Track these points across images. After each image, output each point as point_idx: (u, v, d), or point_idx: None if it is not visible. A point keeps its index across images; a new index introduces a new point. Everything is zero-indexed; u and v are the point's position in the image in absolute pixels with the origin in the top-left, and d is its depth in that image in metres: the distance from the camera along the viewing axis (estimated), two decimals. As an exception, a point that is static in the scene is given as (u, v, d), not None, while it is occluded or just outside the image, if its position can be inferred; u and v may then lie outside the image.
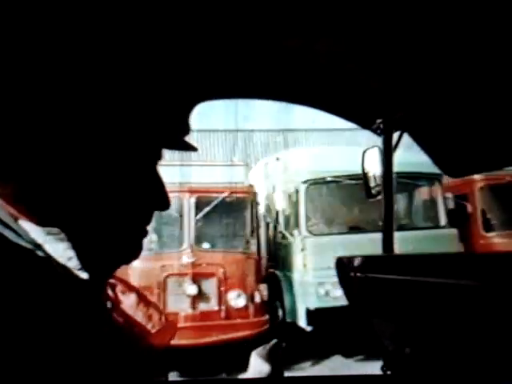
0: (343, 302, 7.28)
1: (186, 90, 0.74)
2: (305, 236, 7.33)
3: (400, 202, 7.91)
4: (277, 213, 8.12)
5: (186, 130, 0.74)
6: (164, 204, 0.74)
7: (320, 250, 7.06)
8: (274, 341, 1.34)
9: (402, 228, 7.47)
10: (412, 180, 7.71)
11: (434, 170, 8.17)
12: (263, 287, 7.34)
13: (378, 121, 2.12)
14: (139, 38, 0.68)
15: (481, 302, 1.42)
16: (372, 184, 2.24)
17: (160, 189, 0.74)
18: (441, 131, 2.04)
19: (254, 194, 7.91)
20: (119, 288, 1.02)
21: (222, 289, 6.88)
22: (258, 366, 1.27)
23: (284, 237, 7.89)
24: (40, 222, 0.65)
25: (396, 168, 7.42)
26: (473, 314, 1.46)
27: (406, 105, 1.99)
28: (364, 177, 2.28)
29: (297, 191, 7.51)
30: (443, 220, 7.86)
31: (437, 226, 7.88)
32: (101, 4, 0.65)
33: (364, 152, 2.25)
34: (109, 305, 0.78)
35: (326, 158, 7.97)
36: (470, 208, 8.60)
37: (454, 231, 7.54)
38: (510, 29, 1.27)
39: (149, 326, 1.08)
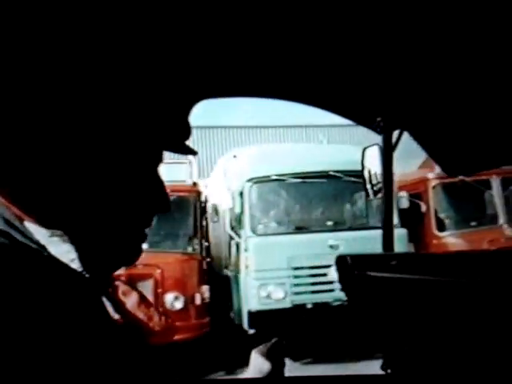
0: (287, 304, 6.93)
1: (185, 90, 0.74)
2: (248, 236, 7.20)
3: (349, 202, 7.83)
4: (227, 212, 7.96)
5: (187, 132, 0.74)
6: (164, 206, 0.74)
7: (264, 250, 7.04)
8: (275, 339, 1.34)
9: (349, 228, 7.50)
10: (360, 178, 7.53)
11: None
12: (205, 289, 7.23)
13: (378, 119, 2.12)
14: (140, 40, 0.68)
15: (482, 301, 1.42)
16: (372, 182, 2.23)
17: (160, 191, 0.74)
18: (441, 129, 2.04)
19: (198, 193, 7.81)
20: (121, 289, 1.02)
21: (159, 291, 6.67)
22: (258, 364, 1.25)
23: (232, 237, 7.74)
24: (43, 223, 0.66)
25: (346, 166, 7.30)
26: (474, 313, 1.46)
27: (405, 103, 1.99)
28: (363, 175, 2.28)
29: (242, 190, 7.41)
30: (395, 219, 7.48)
31: None
32: (101, 4, 0.65)
33: (364, 150, 2.25)
34: (110, 305, 0.77)
35: (273, 155, 7.88)
36: (423, 207, 8.47)
37: (402, 231, 7.36)
38: (509, 28, 1.27)
39: (150, 326, 1.07)
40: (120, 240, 0.71)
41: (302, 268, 7.09)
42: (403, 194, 8.26)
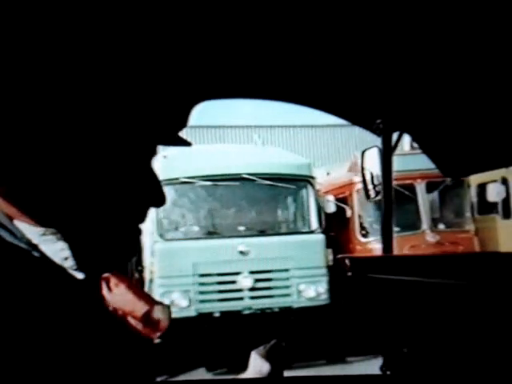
0: (191, 312, 6.70)
1: (184, 89, 0.74)
2: (155, 241, 6.92)
3: (262, 206, 7.53)
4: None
5: (181, 124, 0.73)
6: (159, 200, 0.73)
7: (169, 256, 6.80)
8: (274, 340, 1.35)
9: (261, 233, 7.24)
10: (280, 182, 7.28)
11: (305, 171, 7.79)
12: None
13: (378, 121, 2.12)
14: (136, 36, 0.68)
15: (480, 302, 1.42)
16: (371, 185, 2.23)
17: (155, 185, 0.72)
18: (440, 131, 2.03)
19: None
20: (113, 281, 1.02)
21: None
22: (257, 365, 1.24)
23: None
24: (35, 221, 0.65)
25: (262, 169, 6.65)
26: (472, 314, 1.46)
27: (404, 105, 1.99)
28: (363, 177, 2.28)
29: None
30: (314, 225, 7.41)
31: (302, 232, 7.43)
32: (101, 3, 0.65)
33: (363, 152, 2.24)
34: (103, 302, 0.77)
35: (189, 157, 7.36)
36: (349, 212, 8.25)
37: (319, 237, 7.20)
38: (509, 28, 1.27)
39: (138, 308, 1.07)
40: (115, 235, 0.70)
41: (208, 275, 6.84)
42: (330, 197, 8.09)
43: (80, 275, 0.68)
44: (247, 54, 1.60)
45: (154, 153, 0.73)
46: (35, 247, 0.64)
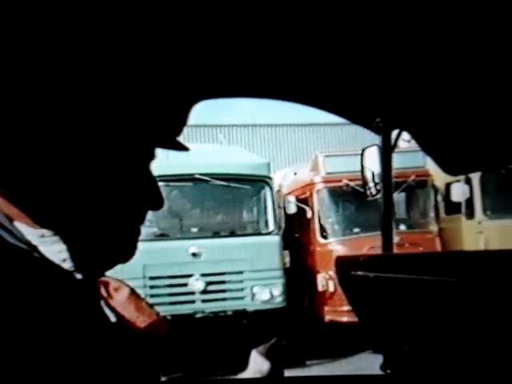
0: None
1: (182, 89, 0.74)
2: None
3: (216, 207, 7.60)
4: None
5: (179, 129, 0.74)
6: (157, 203, 0.74)
7: None
8: (274, 339, 1.33)
9: (214, 235, 7.27)
10: (235, 182, 7.27)
11: (262, 171, 7.96)
12: None
13: (377, 119, 2.12)
14: (136, 37, 0.68)
15: (481, 301, 1.43)
16: (371, 183, 2.23)
17: (153, 188, 0.74)
18: (440, 129, 2.06)
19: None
20: (112, 285, 1.02)
21: None
22: (257, 364, 1.25)
23: None
24: (35, 223, 0.65)
25: (217, 169, 6.99)
26: (473, 313, 1.47)
27: (404, 103, 2.00)
28: (362, 175, 2.28)
29: None
30: (271, 226, 7.42)
31: (258, 233, 7.40)
32: (102, 4, 0.65)
33: (363, 150, 2.25)
34: (102, 302, 0.77)
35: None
36: (309, 213, 8.24)
37: (275, 239, 7.28)
38: (509, 28, 1.28)
39: (139, 321, 1.06)
40: (114, 237, 0.71)
41: (159, 278, 6.83)
42: (291, 198, 8.10)
43: (78, 276, 0.68)
44: (246, 52, 1.58)
45: (152, 156, 0.74)
46: (35, 248, 0.64)
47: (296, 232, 8.59)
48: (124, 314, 0.92)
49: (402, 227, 7.88)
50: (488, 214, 7.82)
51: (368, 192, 2.27)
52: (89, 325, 0.63)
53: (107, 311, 0.77)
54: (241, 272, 7.01)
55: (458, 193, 7.77)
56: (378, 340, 2.09)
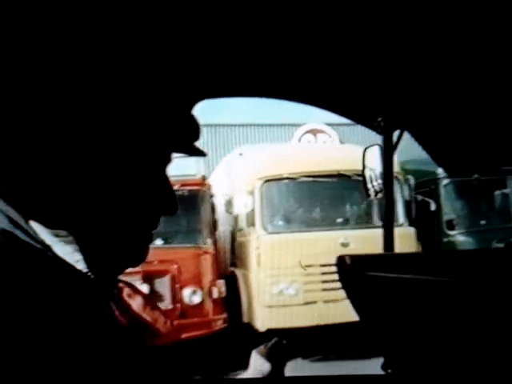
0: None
1: (188, 90, 0.74)
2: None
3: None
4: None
5: (196, 134, 0.74)
6: (172, 208, 0.74)
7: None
8: (275, 339, 1.33)
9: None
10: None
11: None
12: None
13: (379, 119, 2.13)
14: (136, 37, 0.68)
15: (482, 301, 1.43)
16: (372, 183, 2.24)
17: (168, 193, 0.73)
18: (441, 129, 2.06)
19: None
20: (126, 291, 1.02)
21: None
22: (258, 364, 1.25)
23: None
24: (48, 224, 0.65)
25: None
26: (474, 313, 1.47)
27: (406, 103, 2.00)
28: (363, 175, 2.29)
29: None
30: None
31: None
32: (101, 4, 0.65)
33: (364, 150, 2.26)
34: (114, 306, 0.77)
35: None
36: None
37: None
38: (509, 28, 1.28)
39: (155, 328, 1.06)
40: (126, 241, 0.70)
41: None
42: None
43: (92, 277, 0.68)
44: (247, 51, 1.58)
45: (168, 160, 0.74)
46: (49, 248, 0.64)
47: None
48: (136, 320, 0.92)
49: (159, 242, 6.66)
50: (267, 228, 7.26)
51: (368, 191, 2.27)
52: (100, 326, 0.63)
53: (119, 315, 0.77)
54: None
55: (240, 204, 7.35)
56: (379, 340, 2.09)
